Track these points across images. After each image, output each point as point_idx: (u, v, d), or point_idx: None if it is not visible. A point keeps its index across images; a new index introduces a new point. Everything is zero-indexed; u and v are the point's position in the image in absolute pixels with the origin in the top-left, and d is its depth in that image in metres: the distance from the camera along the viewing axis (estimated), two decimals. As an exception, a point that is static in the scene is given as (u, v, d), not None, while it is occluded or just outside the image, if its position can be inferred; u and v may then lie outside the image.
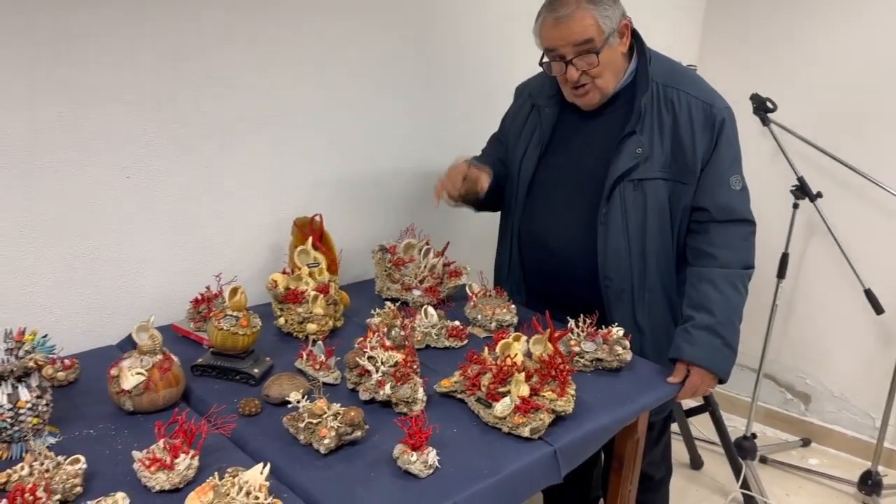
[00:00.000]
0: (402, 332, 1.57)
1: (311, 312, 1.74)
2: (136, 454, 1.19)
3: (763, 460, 2.98)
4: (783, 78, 3.04)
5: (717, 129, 1.76)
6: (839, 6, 2.89)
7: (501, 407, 1.37)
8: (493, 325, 1.79)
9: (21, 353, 1.24)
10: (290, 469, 1.23)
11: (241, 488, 1.10)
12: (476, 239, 2.46)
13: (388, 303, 1.80)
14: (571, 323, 1.71)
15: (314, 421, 1.30)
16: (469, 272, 2.03)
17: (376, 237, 2.20)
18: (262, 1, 1.86)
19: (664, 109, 1.76)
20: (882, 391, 2.78)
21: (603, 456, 2.07)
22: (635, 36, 1.81)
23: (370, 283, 2.11)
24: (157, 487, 1.15)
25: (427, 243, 2.04)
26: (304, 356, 1.58)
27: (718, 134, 1.76)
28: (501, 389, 1.42)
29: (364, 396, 1.45)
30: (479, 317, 1.81)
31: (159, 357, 1.41)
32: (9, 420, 1.22)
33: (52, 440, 1.29)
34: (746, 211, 1.81)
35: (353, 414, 1.29)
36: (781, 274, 2.79)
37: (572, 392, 1.44)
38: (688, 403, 2.93)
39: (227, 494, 1.09)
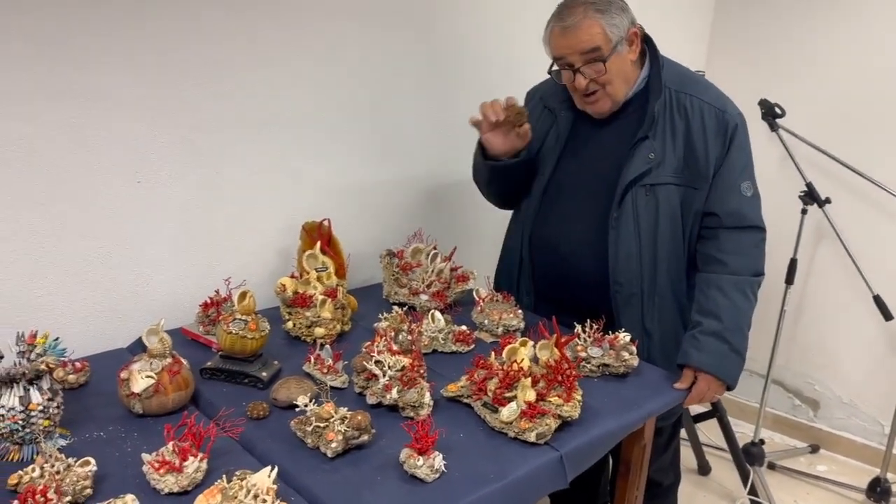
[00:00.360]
0: (410, 337, 1.58)
1: (319, 316, 1.75)
2: (145, 457, 1.20)
3: (771, 466, 2.97)
4: (791, 83, 3.03)
5: (730, 135, 1.76)
6: (848, 12, 2.89)
7: (508, 412, 1.38)
8: (500, 329, 1.79)
9: (33, 355, 1.26)
10: (298, 472, 1.24)
11: (248, 491, 1.11)
12: (483, 244, 2.46)
13: (395, 307, 1.81)
14: (578, 328, 1.71)
15: (321, 424, 1.31)
16: (476, 277, 2.04)
17: (384, 242, 2.21)
18: (273, 7, 1.87)
19: (677, 115, 1.77)
20: (891, 398, 2.77)
21: (611, 461, 2.07)
22: (648, 42, 1.82)
23: (378, 288, 2.12)
24: (166, 490, 1.16)
25: (434, 248, 2.05)
26: (312, 360, 1.59)
27: (731, 140, 1.76)
28: (508, 394, 1.42)
29: (371, 400, 1.46)
30: (486, 321, 1.82)
31: (169, 360, 1.42)
32: (20, 422, 1.24)
33: (62, 442, 1.30)
34: (757, 217, 1.81)
35: (360, 418, 1.30)
36: (790, 280, 2.78)
37: (579, 397, 1.44)
38: (696, 409, 2.92)
39: (235, 497, 1.10)
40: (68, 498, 1.12)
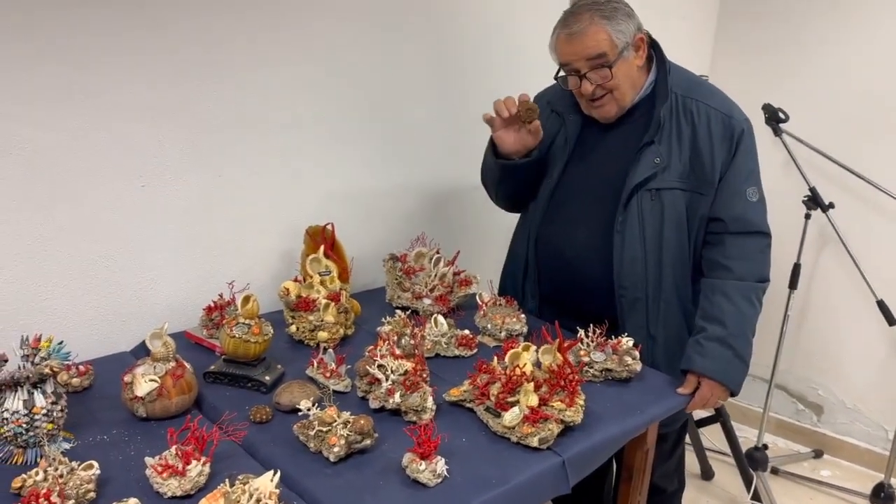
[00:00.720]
0: (412, 341, 1.58)
1: (322, 320, 1.76)
2: (148, 460, 1.20)
3: (774, 471, 2.96)
4: (795, 88, 3.03)
5: (736, 140, 1.76)
6: (852, 16, 2.88)
7: (510, 416, 1.38)
8: (503, 334, 1.79)
9: (37, 359, 1.26)
10: (300, 476, 1.24)
11: (251, 495, 1.11)
12: (488, 248, 2.47)
13: (398, 311, 1.81)
14: (581, 333, 1.71)
15: (324, 429, 1.31)
16: (479, 281, 2.04)
17: (387, 246, 2.21)
18: (278, 10, 1.88)
19: (683, 120, 1.77)
20: (895, 402, 2.75)
21: (614, 466, 2.07)
22: (655, 48, 1.82)
23: (381, 292, 2.12)
24: (169, 493, 1.17)
25: (437, 252, 2.05)
26: (315, 364, 1.59)
27: (737, 145, 1.76)
28: (510, 399, 1.42)
29: (374, 405, 1.46)
30: (489, 326, 1.82)
31: (172, 364, 1.43)
32: (24, 425, 1.24)
33: (66, 446, 1.31)
34: (762, 223, 1.80)
35: (362, 422, 1.30)
36: (793, 284, 2.77)
37: (581, 402, 1.44)
38: (699, 414, 2.92)
39: (238, 501, 1.10)
40: (72, 501, 1.12)
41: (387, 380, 1.45)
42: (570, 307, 1.91)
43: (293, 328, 1.78)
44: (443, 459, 1.25)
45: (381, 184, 2.27)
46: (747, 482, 2.74)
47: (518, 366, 1.47)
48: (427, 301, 1.97)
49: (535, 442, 1.34)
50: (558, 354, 1.51)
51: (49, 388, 1.28)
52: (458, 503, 1.20)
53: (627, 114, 1.83)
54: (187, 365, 1.46)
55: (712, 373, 1.68)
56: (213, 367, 1.58)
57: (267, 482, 1.13)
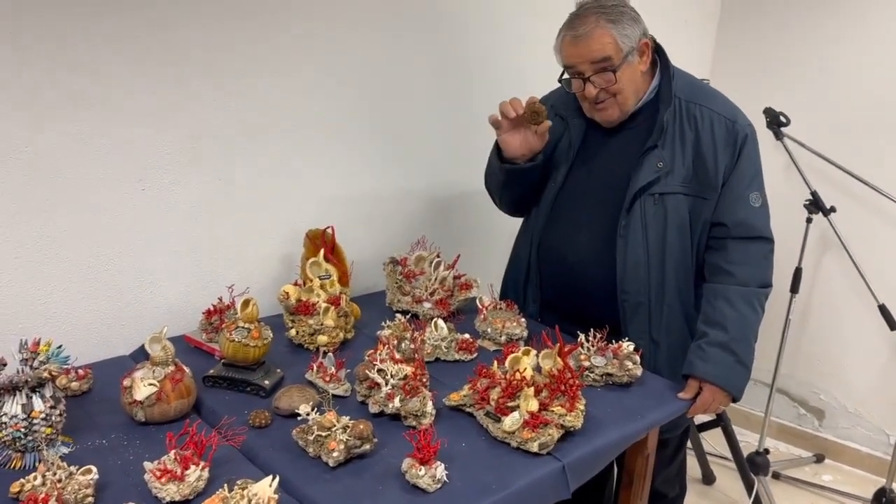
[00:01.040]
0: (412, 345, 1.58)
1: (322, 324, 1.75)
2: (147, 465, 1.20)
3: (776, 476, 2.95)
4: (796, 92, 3.03)
5: (740, 146, 1.76)
6: (853, 20, 2.88)
7: (510, 421, 1.38)
8: (503, 338, 1.79)
9: (36, 363, 1.26)
10: (299, 482, 1.24)
11: (249, 501, 1.11)
12: (487, 252, 2.46)
13: (398, 315, 1.80)
14: (581, 337, 1.70)
15: (323, 434, 1.30)
16: (479, 285, 2.04)
17: (388, 249, 2.21)
18: (278, 15, 1.88)
19: (686, 124, 1.77)
20: (897, 407, 2.75)
21: (615, 471, 2.06)
22: (659, 53, 1.82)
23: (381, 295, 2.12)
24: (168, 498, 1.16)
25: (438, 256, 2.05)
26: (315, 368, 1.59)
27: (740, 150, 1.76)
28: (510, 404, 1.42)
29: (373, 409, 1.46)
30: (489, 330, 1.81)
31: (171, 368, 1.42)
32: (23, 430, 1.24)
33: (65, 450, 1.30)
34: (765, 228, 1.80)
35: (362, 427, 1.30)
36: (795, 288, 2.77)
37: (581, 407, 1.44)
38: (700, 418, 2.90)
39: (237, 507, 1.10)
40: (70, 506, 1.12)
41: (386, 384, 1.44)
42: (571, 312, 1.91)
43: (293, 332, 1.78)
44: (442, 465, 1.25)
45: (382, 187, 2.27)
46: (748, 487, 2.73)
47: (518, 370, 1.47)
48: (427, 305, 1.97)
49: (535, 447, 1.34)
50: (559, 359, 1.51)
51: (48, 392, 1.28)
52: (458, 509, 1.19)
53: (631, 118, 1.83)
54: (186, 369, 1.46)
55: (714, 378, 1.67)
56: (212, 372, 1.57)
57: (266, 487, 1.13)
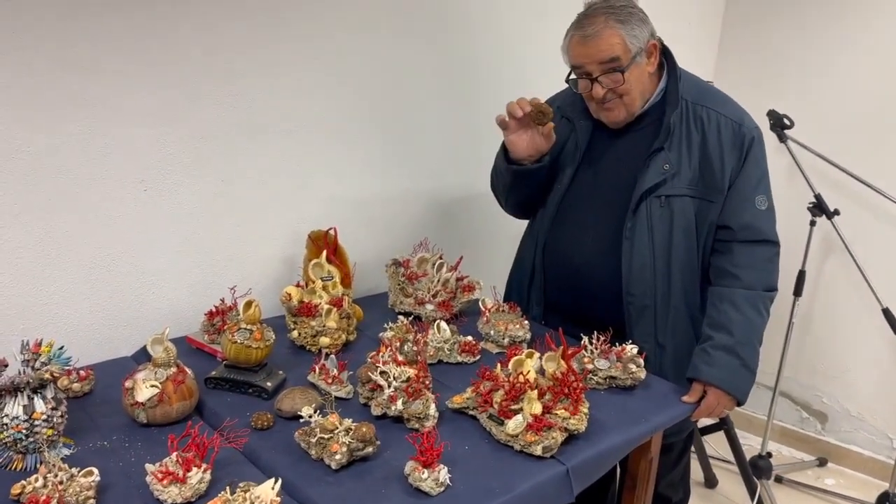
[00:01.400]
0: (415, 347, 1.57)
1: (324, 326, 1.75)
2: (148, 467, 1.20)
3: (778, 480, 2.94)
4: (800, 94, 3.02)
5: (746, 149, 1.76)
6: (857, 22, 2.88)
7: (514, 424, 1.37)
8: (506, 340, 1.78)
9: (37, 364, 1.26)
10: (301, 484, 1.23)
11: (252, 503, 1.10)
12: (490, 254, 2.46)
13: (400, 317, 1.80)
14: (585, 340, 1.70)
15: (326, 436, 1.30)
16: (482, 287, 2.03)
17: (390, 251, 2.21)
18: (280, 14, 1.88)
19: (693, 127, 1.76)
20: (900, 411, 2.75)
21: (618, 474, 2.06)
22: (667, 55, 1.82)
23: (383, 297, 2.11)
24: (170, 501, 1.16)
25: (440, 258, 2.04)
26: (317, 370, 1.58)
27: (747, 153, 1.76)
28: (514, 407, 1.41)
29: (376, 411, 1.45)
30: (492, 332, 1.81)
31: (173, 369, 1.42)
32: (24, 431, 1.23)
33: (66, 452, 1.30)
34: (771, 232, 1.79)
35: (364, 429, 1.29)
36: (798, 291, 2.76)
37: (585, 410, 1.43)
38: (703, 421, 2.89)
39: (239, 509, 1.09)
40: (71, 508, 1.11)
41: (389, 386, 1.44)
42: (576, 314, 1.90)
43: (295, 334, 1.78)
44: (445, 468, 1.24)
45: (385, 189, 2.26)
46: (751, 490, 2.72)
47: (521, 373, 1.46)
48: (430, 307, 1.96)
49: (538, 450, 1.33)
50: (562, 362, 1.50)
51: (49, 393, 1.27)
52: (461, 512, 1.18)
53: (637, 120, 1.82)
54: (188, 370, 1.46)
55: (719, 381, 1.67)
56: (214, 373, 1.57)
57: (268, 490, 1.13)
